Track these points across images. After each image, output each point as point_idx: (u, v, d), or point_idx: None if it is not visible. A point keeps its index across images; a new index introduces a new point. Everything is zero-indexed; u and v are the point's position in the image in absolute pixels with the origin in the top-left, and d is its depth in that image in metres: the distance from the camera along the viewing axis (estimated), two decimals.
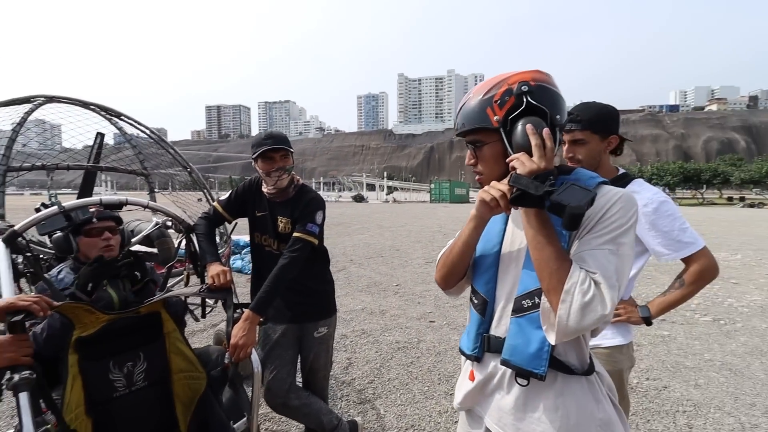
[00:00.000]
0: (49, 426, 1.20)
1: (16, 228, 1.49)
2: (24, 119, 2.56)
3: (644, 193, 1.44)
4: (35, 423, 1.10)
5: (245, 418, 1.51)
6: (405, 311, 4.70)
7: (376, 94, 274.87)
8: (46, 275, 1.62)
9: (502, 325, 1.01)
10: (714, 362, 3.47)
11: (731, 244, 9.72)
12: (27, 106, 2.64)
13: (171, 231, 2.38)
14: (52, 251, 1.87)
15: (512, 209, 0.93)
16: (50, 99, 2.63)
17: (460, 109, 1.01)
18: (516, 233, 1.02)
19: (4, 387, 1.08)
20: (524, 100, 0.91)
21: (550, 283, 0.85)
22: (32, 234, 2.08)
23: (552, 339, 0.87)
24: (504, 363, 0.97)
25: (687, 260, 1.44)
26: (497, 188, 0.92)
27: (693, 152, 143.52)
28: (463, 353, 1.10)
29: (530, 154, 0.88)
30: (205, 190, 2.85)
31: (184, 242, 1.92)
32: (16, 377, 1.06)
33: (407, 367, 3.25)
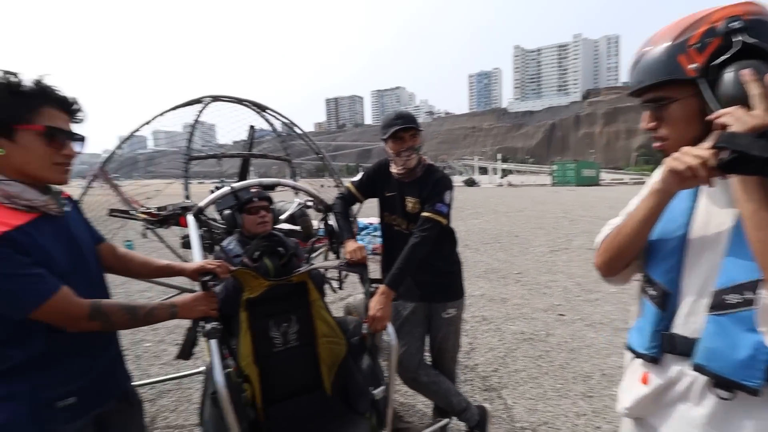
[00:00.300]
0: (230, 369, 1.43)
1: (200, 204, 1.80)
2: (197, 116, 3.08)
3: None
4: (222, 365, 1.31)
5: (383, 387, 1.58)
6: (529, 301, 4.40)
7: (488, 71, 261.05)
8: (220, 245, 1.93)
9: (691, 323, 0.82)
10: None
11: None
12: (198, 106, 3.16)
13: (309, 211, 2.62)
14: (223, 226, 2.22)
15: (716, 180, 0.73)
16: (215, 98, 3.10)
17: (636, 63, 0.83)
18: (712, 212, 0.82)
19: (199, 333, 1.31)
20: (735, 39, 0.71)
21: None
22: (207, 212, 2.51)
23: None
24: (698, 369, 0.79)
25: None
26: (694, 154, 0.73)
27: None
28: (633, 351, 0.93)
29: (748, 108, 0.68)
30: (336, 176, 3.05)
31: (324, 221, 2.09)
32: (208, 326, 1.27)
33: (535, 360, 3.03)
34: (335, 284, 2.32)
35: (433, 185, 1.79)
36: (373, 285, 1.65)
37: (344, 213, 1.93)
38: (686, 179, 0.75)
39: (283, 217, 2.54)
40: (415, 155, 1.79)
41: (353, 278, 1.88)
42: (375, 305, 1.57)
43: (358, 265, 1.69)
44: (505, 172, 59.07)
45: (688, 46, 0.75)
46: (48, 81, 1.00)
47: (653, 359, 0.88)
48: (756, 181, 0.69)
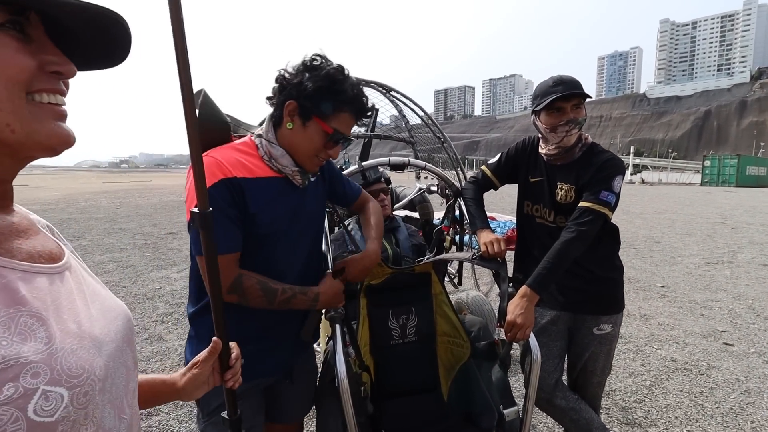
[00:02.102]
0: (351, 357, 1.38)
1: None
2: None
3: None
4: (344, 352, 1.27)
5: (516, 407, 1.35)
6: (680, 322, 3.61)
7: (624, 51, 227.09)
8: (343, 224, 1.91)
9: None
10: None
11: None
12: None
13: (434, 197, 2.48)
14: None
15: None
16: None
17: None
18: None
19: (324, 317, 1.28)
20: None
21: None
22: None
23: None
24: None
25: None
26: None
27: None
28: None
29: None
30: (459, 169, 2.84)
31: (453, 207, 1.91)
32: (332, 311, 1.22)
33: (695, 398, 2.44)
34: (454, 279, 2.14)
35: (598, 168, 1.46)
36: (512, 285, 1.42)
37: (476, 199, 1.69)
38: None
39: (401, 203, 2.45)
40: (576, 131, 1.46)
41: (467, 274, 1.68)
42: (515, 309, 1.33)
43: (493, 260, 1.46)
44: (637, 168, 51.01)
45: None
46: (361, 89, 1.11)
47: None
48: None
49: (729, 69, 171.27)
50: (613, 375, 2.68)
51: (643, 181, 36.41)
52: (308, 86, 1.03)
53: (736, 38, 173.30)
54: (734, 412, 2.30)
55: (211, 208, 0.65)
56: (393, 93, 3.02)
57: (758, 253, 6.33)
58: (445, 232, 1.92)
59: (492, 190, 1.78)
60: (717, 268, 5.45)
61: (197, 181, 0.63)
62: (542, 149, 1.59)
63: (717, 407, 2.35)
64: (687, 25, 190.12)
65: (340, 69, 1.06)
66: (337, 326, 1.27)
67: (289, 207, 1.11)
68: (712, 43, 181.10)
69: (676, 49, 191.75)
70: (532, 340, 1.33)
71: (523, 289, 1.36)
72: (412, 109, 3.18)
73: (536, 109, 1.50)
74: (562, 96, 1.41)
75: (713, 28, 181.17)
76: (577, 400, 1.60)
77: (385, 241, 1.87)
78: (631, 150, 50.99)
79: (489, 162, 1.79)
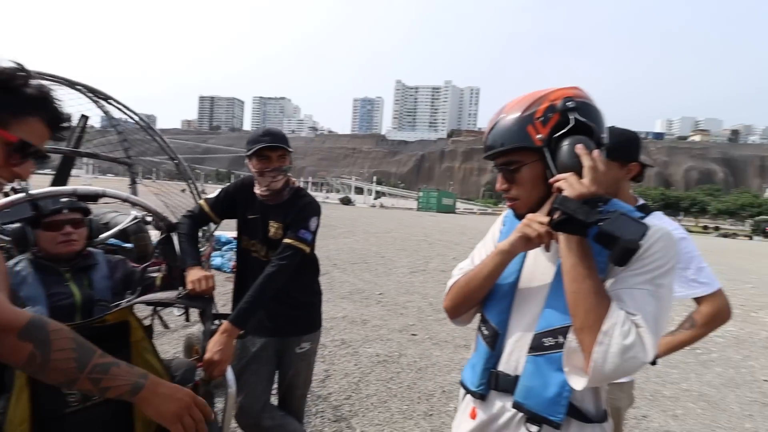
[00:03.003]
0: None
1: None
2: None
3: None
4: None
5: None
6: (387, 322, 4.61)
7: (372, 98, 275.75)
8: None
9: (512, 361, 0.93)
10: (691, 392, 3.48)
11: None
12: None
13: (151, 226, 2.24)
14: (7, 243, 1.72)
15: (551, 244, 0.87)
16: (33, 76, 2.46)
17: (491, 130, 0.93)
18: (539, 263, 0.94)
19: None
20: (571, 117, 0.84)
21: (585, 320, 0.77)
22: None
23: (579, 384, 0.80)
24: (516, 406, 0.89)
25: (700, 300, 1.40)
26: (539, 221, 0.85)
27: (674, 180, 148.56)
28: (465, 388, 1.02)
29: (580, 176, 0.81)
30: (190, 181, 2.71)
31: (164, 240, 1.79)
32: None
33: (386, 383, 3.15)
34: (176, 314, 2.00)
35: (299, 210, 1.69)
36: (217, 321, 1.46)
37: (190, 235, 1.67)
38: (533, 243, 0.87)
39: (109, 233, 2.10)
40: (281, 177, 1.67)
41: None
42: (214, 346, 1.37)
43: (199, 298, 1.46)
44: (379, 194, 62.38)
45: (535, 119, 0.86)
46: (50, 88, 0.87)
47: (481, 396, 0.96)
48: (578, 240, 0.81)
49: (435, 127, 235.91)
50: (331, 379, 3.12)
51: (382, 206, 44.77)
52: None
53: (439, 105, 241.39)
54: (410, 388, 3.11)
55: None
56: (111, 102, 2.59)
57: (441, 262, 8.87)
58: (157, 268, 1.78)
59: (213, 224, 1.81)
60: (415, 275, 7.29)
61: None
62: (257, 189, 1.74)
63: (399, 387, 3.11)
64: (412, 88, 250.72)
65: (19, 66, 0.83)
66: None
67: None
68: (426, 105, 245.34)
69: (405, 104, 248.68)
70: (229, 374, 1.41)
71: (225, 324, 1.42)
72: (137, 123, 2.81)
73: (246, 154, 1.65)
74: (267, 146, 1.60)
75: (427, 95, 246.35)
76: (283, 416, 1.78)
77: (73, 284, 1.57)
78: (374, 179, 62.00)
79: (208, 197, 1.81)
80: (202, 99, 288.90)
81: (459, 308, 1.03)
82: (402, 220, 22.55)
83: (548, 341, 0.87)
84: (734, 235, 35.40)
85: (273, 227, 1.71)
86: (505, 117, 0.90)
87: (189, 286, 1.46)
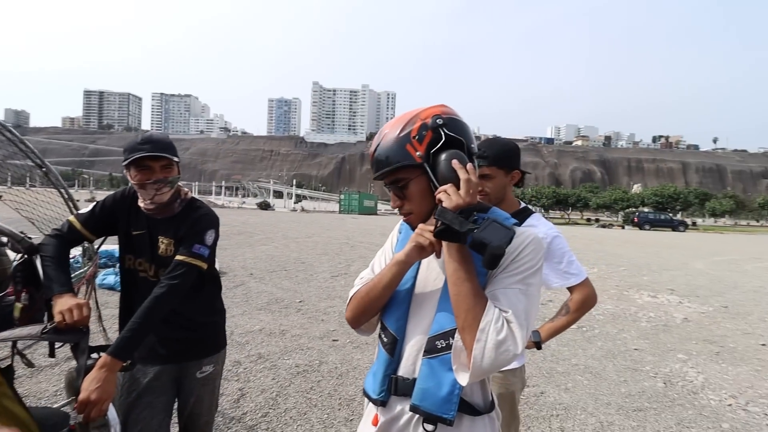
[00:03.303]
0: None
1: None
2: None
3: (541, 228, 1.57)
4: None
5: None
6: (307, 330, 4.50)
7: (289, 99, 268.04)
8: None
9: (410, 365, 0.97)
10: (579, 366, 3.98)
11: (589, 259, 11.54)
12: None
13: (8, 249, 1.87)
14: None
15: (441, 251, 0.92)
16: None
17: (374, 153, 0.97)
18: (432, 269, 1.00)
19: None
20: (442, 132, 0.91)
21: (465, 320, 0.84)
22: None
23: (464, 380, 0.85)
24: (413, 409, 0.93)
25: (572, 289, 1.60)
26: (430, 230, 0.90)
27: (563, 179, 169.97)
28: (368, 397, 1.03)
29: (458, 187, 0.88)
30: (63, 190, 2.36)
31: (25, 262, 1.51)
32: None
33: (306, 394, 3.06)
34: (37, 354, 1.70)
35: (193, 223, 1.54)
36: (95, 355, 1.27)
37: (57, 257, 1.42)
38: (426, 251, 0.91)
39: None
40: (168, 189, 1.50)
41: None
42: (90, 384, 1.18)
43: (71, 331, 1.26)
44: (299, 198, 60.84)
45: (412, 138, 0.92)
46: None
47: (382, 402, 0.98)
48: (457, 247, 0.88)
49: (355, 130, 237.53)
50: (246, 398, 2.94)
51: (303, 209, 43.72)
52: None
53: (357, 108, 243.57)
54: (330, 396, 3.07)
55: None
56: None
57: (363, 265, 8.92)
58: (16, 299, 1.49)
59: (87, 243, 1.57)
60: (337, 279, 7.24)
61: None
62: (140, 203, 1.55)
63: (320, 396, 3.05)
64: (330, 90, 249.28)
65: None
66: None
67: None
68: (344, 108, 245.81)
69: (323, 106, 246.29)
70: (111, 412, 1.24)
71: (103, 358, 1.24)
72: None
73: (123, 163, 1.46)
74: (147, 156, 1.43)
75: (345, 98, 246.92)
76: None
77: None
78: (294, 182, 60.29)
79: (80, 212, 1.57)
80: (88, 94, 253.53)
81: (360, 318, 1.05)
82: (324, 223, 22.27)
83: (440, 343, 0.92)
84: (611, 226, 41.57)
85: (163, 243, 1.54)
86: (384, 141, 0.95)
87: (57, 318, 1.25)
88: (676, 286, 8.35)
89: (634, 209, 51.87)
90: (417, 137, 0.92)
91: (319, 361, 3.68)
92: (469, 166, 0.90)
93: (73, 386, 1.90)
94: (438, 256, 0.93)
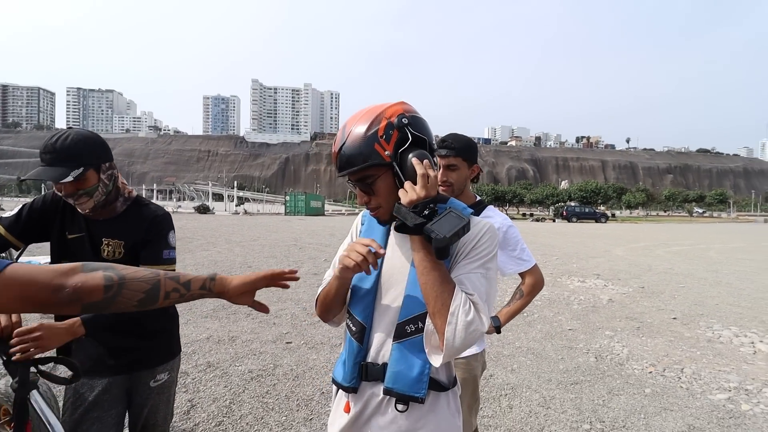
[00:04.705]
0: None
1: None
2: None
3: (496, 218, 1.67)
4: None
5: None
6: (258, 335, 4.34)
7: (226, 96, 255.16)
8: None
9: (379, 351, 1.00)
10: (522, 348, 4.28)
11: None
12: None
13: None
14: None
15: (377, 263, 0.98)
16: None
17: (339, 151, 0.97)
18: (396, 258, 1.04)
19: None
20: (408, 132, 0.95)
21: (435, 305, 0.89)
22: None
23: (437, 361, 0.91)
24: (387, 392, 0.97)
25: (524, 275, 1.73)
26: (357, 251, 0.92)
27: (500, 177, 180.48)
28: (339, 385, 1.05)
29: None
30: None
31: None
32: None
33: (262, 399, 2.97)
34: None
35: (154, 226, 1.44)
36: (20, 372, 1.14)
37: None
38: (354, 270, 0.93)
39: None
40: (87, 199, 1.35)
41: None
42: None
43: None
44: (241, 200, 58.23)
45: (380, 137, 0.94)
46: None
47: (354, 389, 1.01)
48: (419, 239, 0.93)
49: (298, 129, 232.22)
50: (197, 409, 2.79)
51: (246, 212, 41.90)
52: None
53: (300, 108, 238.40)
54: (287, 398, 3.00)
55: None
56: None
57: (313, 266, 8.80)
58: None
59: (12, 249, 1.40)
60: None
61: None
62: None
63: (276, 399, 2.97)
64: (271, 89, 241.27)
65: None
66: None
67: None
68: (287, 107, 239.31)
69: (264, 105, 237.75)
70: (54, 422, 1.13)
71: (74, 320, 1.25)
72: None
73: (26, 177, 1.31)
74: (48, 167, 1.27)
75: (287, 96, 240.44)
76: None
77: None
78: (235, 184, 57.57)
79: (3, 216, 1.40)
80: None
81: (326, 315, 1.10)
82: (269, 225, 21.54)
83: (410, 328, 0.97)
84: (543, 219, 44.93)
85: (109, 246, 1.42)
86: (351, 139, 0.96)
87: None
88: (601, 272, 9.25)
89: (562, 204, 56.48)
90: (384, 136, 0.94)
91: (274, 364, 3.58)
92: (425, 161, 0.94)
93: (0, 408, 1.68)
94: (375, 267, 0.95)
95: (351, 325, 1.05)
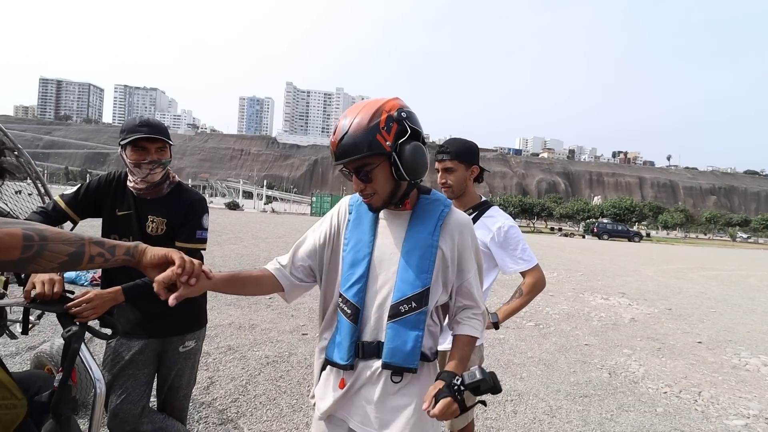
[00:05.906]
0: None
1: None
2: None
3: (499, 218, 1.77)
4: None
5: None
6: (277, 325, 4.55)
7: (261, 98, 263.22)
8: None
9: (374, 330, 1.10)
10: (534, 358, 4.26)
11: (550, 264, 12.23)
12: None
13: None
14: None
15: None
16: None
17: (340, 141, 1.03)
18: (386, 245, 1.13)
19: None
20: (406, 125, 1.05)
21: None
22: None
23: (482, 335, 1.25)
24: (386, 366, 1.07)
25: (525, 274, 1.80)
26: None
27: (529, 189, 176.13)
28: (335, 365, 1.13)
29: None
30: (38, 182, 2.37)
31: None
32: None
33: (275, 382, 3.14)
34: (18, 328, 1.73)
35: (190, 209, 1.65)
36: (72, 327, 1.34)
37: None
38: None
39: None
40: (160, 169, 1.60)
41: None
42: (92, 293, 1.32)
43: (50, 302, 1.31)
44: (270, 199, 59.78)
45: (381, 129, 1.03)
46: None
47: (351, 366, 1.10)
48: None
49: (329, 131, 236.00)
50: (216, 385, 2.99)
51: (273, 211, 43.02)
52: None
53: (332, 111, 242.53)
54: (299, 384, 3.16)
55: None
56: None
57: None
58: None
59: (71, 223, 1.63)
60: None
61: None
62: (130, 183, 1.64)
63: (289, 384, 3.14)
64: (305, 92, 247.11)
65: None
66: None
67: None
68: (319, 110, 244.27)
69: (297, 107, 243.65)
70: (96, 371, 1.32)
71: (116, 288, 1.41)
72: None
73: (121, 143, 1.55)
74: (145, 137, 1.53)
75: (319, 99, 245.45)
76: (164, 419, 1.69)
77: None
78: (265, 183, 59.17)
79: (65, 193, 1.63)
80: (44, 82, 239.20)
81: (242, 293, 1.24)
82: (294, 225, 22.07)
83: (404, 308, 1.07)
84: (572, 235, 43.64)
85: (153, 222, 1.64)
86: (353, 129, 1.03)
87: (38, 288, 1.31)
88: (627, 290, 8.97)
89: (594, 220, 54.56)
90: (385, 128, 1.03)
91: (289, 352, 3.76)
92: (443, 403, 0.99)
93: (42, 363, 1.92)
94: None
95: (345, 308, 1.12)
